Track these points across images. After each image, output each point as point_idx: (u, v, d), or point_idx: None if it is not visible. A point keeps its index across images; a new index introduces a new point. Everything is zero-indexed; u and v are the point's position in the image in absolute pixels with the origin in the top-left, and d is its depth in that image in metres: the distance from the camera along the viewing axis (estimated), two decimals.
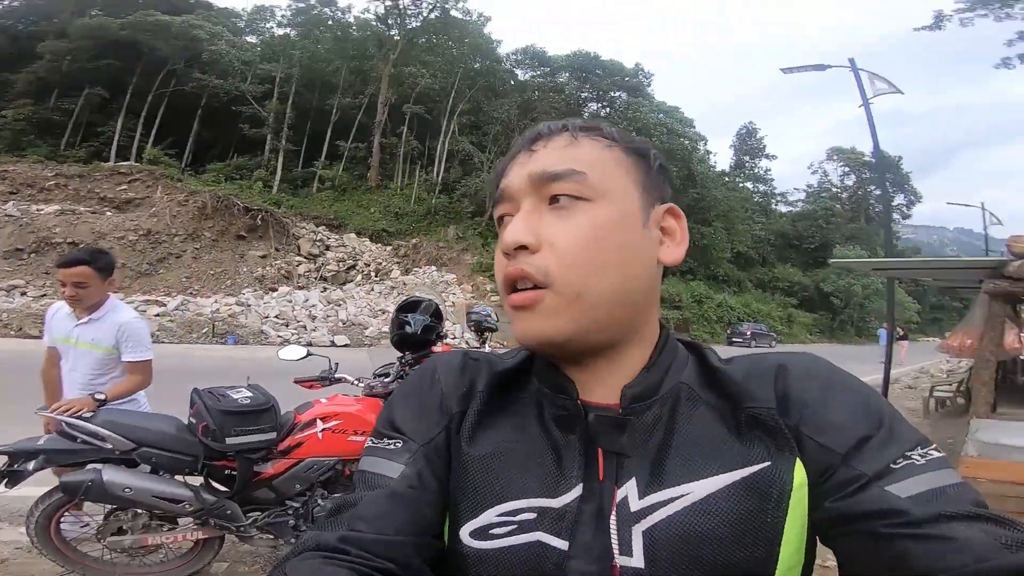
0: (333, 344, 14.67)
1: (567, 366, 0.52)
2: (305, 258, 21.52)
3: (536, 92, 29.29)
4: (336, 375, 2.80)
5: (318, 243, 22.62)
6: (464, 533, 0.49)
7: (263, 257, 20.38)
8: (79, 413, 2.19)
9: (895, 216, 46.34)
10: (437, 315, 2.91)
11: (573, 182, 0.49)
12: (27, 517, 2.24)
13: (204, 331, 14.02)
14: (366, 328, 16.53)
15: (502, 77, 32.70)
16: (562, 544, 0.47)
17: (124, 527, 2.30)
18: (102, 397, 2.34)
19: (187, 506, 2.28)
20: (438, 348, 2.91)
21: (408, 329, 2.78)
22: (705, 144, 40.49)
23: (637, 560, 0.45)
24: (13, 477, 2.06)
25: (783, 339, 31.42)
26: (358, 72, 30.79)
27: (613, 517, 0.47)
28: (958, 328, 4.49)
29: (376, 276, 22.18)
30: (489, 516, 0.49)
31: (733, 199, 37.92)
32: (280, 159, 27.76)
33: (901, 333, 18.81)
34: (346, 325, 16.54)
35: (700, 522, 0.45)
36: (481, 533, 0.49)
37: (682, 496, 0.46)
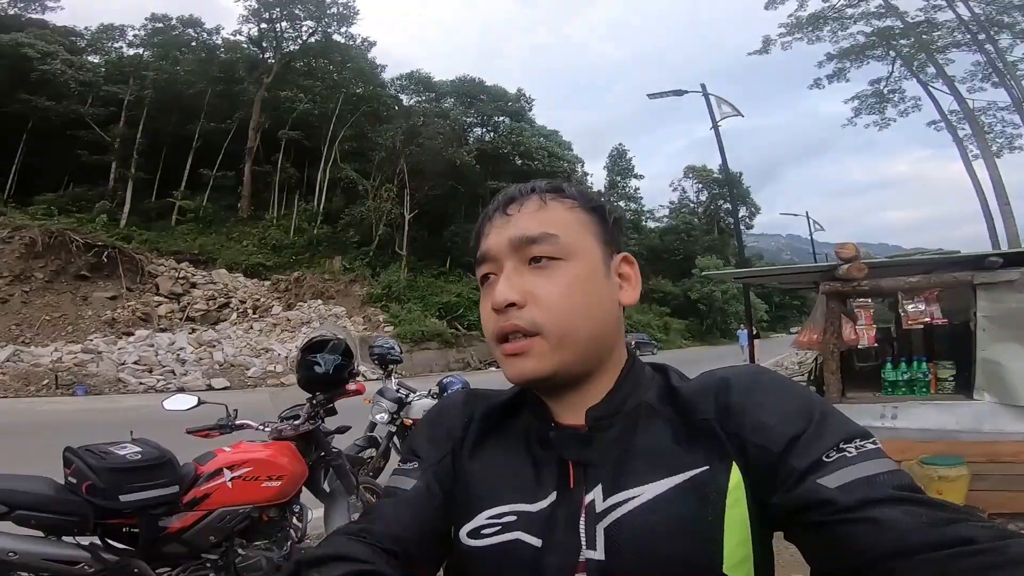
0: (211, 387, 13.82)
1: (548, 397, 0.62)
2: (166, 297, 19.65)
3: (422, 117, 29.41)
4: (237, 422, 2.68)
5: (181, 281, 20.71)
6: (463, 533, 0.60)
7: (112, 299, 18.47)
8: None
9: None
10: (347, 353, 2.87)
11: (549, 244, 0.58)
12: None
13: (45, 382, 12.86)
14: (247, 369, 15.37)
15: (386, 102, 32.53)
16: (536, 541, 0.56)
17: None
18: None
19: (86, 567, 2.05)
20: (351, 386, 2.90)
21: (318, 370, 2.71)
22: (583, 166, 43.54)
23: (599, 553, 0.53)
24: None
25: (662, 346, 34.10)
26: (225, 96, 28.98)
27: (583, 518, 0.55)
28: (804, 326, 5.20)
29: (255, 313, 20.63)
30: (481, 519, 0.59)
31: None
32: (129, 189, 25.03)
33: (755, 332, 21.52)
34: (223, 367, 15.29)
35: (649, 519, 0.53)
36: (475, 533, 0.59)
37: (635, 497, 0.54)
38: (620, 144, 53.96)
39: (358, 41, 31.81)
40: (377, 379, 5.27)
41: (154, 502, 2.16)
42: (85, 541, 2.13)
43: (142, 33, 29.56)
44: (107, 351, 15.14)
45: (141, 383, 13.60)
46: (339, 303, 22.08)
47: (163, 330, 17.78)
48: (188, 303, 19.97)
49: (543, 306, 0.56)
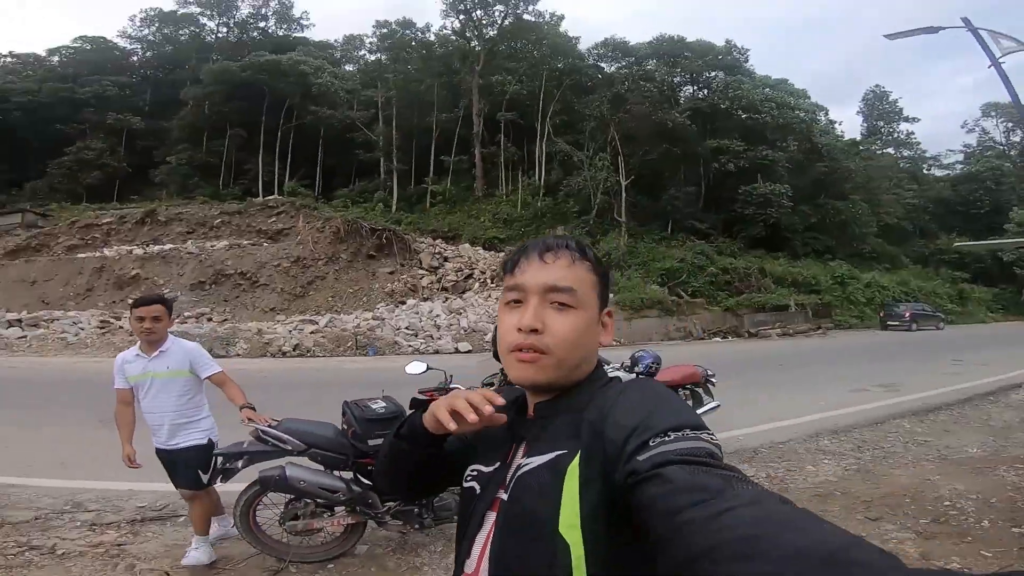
0: (457, 351, 15.44)
1: (532, 396, 0.86)
2: (427, 271, 22.84)
3: (625, 83, 28.50)
4: (451, 386, 3.31)
5: (437, 255, 23.95)
6: (465, 475, 0.89)
7: (391, 273, 21.85)
8: (268, 423, 2.80)
9: None
10: None
11: (569, 296, 0.80)
12: (233, 507, 2.91)
13: (349, 344, 15.38)
14: (485, 334, 17.27)
15: (588, 73, 32.30)
16: (478, 489, 0.84)
17: (298, 514, 2.92)
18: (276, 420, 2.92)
19: (341, 496, 2.84)
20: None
21: None
22: (826, 114, 37.16)
23: (506, 495, 0.78)
24: (226, 474, 2.79)
25: (953, 320, 27.10)
26: (448, 87, 32.17)
27: (510, 471, 0.80)
28: None
29: (492, 283, 23.08)
30: (468, 469, 0.89)
31: (872, 168, 33.92)
32: (395, 179, 30.04)
33: None
34: (467, 332, 17.32)
35: (528, 479, 0.75)
36: (464, 477, 0.89)
37: (530, 464, 0.77)
38: (877, 86, 44.66)
39: (547, 17, 32.11)
40: None
41: None
42: (346, 475, 2.92)
43: (376, 40, 34.83)
44: (388, 318, 17.92)
45: (410, 345, 15.71)
46: None
47: (425, 299, 19.94)
48: (442, 275, 22.91)
49: (555, 337, 0.79)
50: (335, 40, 42.80)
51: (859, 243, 31.06)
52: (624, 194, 25.35)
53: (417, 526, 2.96)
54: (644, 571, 0.70)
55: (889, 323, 23.81)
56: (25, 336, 16.32)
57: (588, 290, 0.82)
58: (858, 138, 41.20)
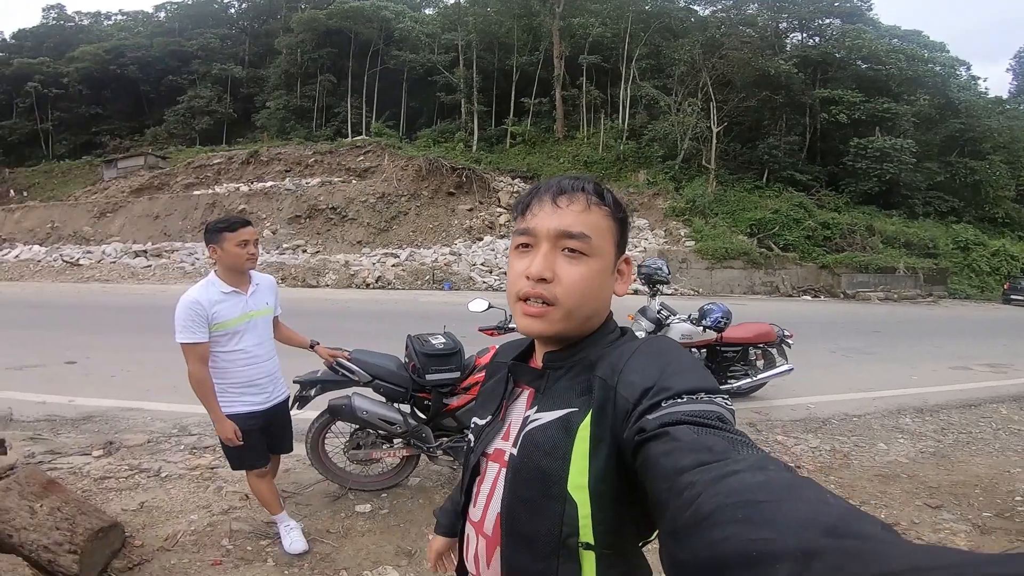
0: None
1: (541, 346, 0.85)
2: (504, 209, 23.03)
3: (721, 27, 25.94)
4: (510, 325, 3.33)
5: (515, 194, 24.01)
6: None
7: (470, 210, 22.30)
8: (346, 355, 2.94)
9: None
10: None
11: (582, 242, 0.76)
12: (305, 435, 3.13)
13: (426, 278, 16.11)
14: None
15: (678, 16, 29.77)
16: (472, 439, 0.88)
17: (360, 443, 3.12)
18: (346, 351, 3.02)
19: (398, 428, 3.01)
20: None
21: None
22: (968, 69, 32.51)
23: (515, 450, 0.77)
24: (301, 401, 2.95)
25: None
26: (528, 30, 31.00)
27: (518, 426, 0.79)
28: None
29: None
30: (472, 423, 0.91)
31: (1017, 128, 29.42)
32: (475, 120, 29.95)
33: None
34: None
35: (538, 435, 0.74)
36: (470, 430, 0.92)
37: (540, 419, 0.76)
38: None
39: None
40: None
41: (444, 382, 2.98)
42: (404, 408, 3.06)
43: None
44: (464, 254, 18.58)
45: (484, 281, 16.27)
46: (642, 216, 22.40)
47: (502, 237, 20.40)
48: None
49: (564, 286, 0.75)
50: None
51: (992, 207, 27.38)
52: (715, 140, 23.65)
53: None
54: (647, 533, 0.74)
55: (1013, 297, 20.80)
56: (150, 265, 18.58)
57: (603, 237, 0.77)
58: (1005, 96, 36.30)
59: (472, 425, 0.90)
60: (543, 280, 0.75)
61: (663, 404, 0.62)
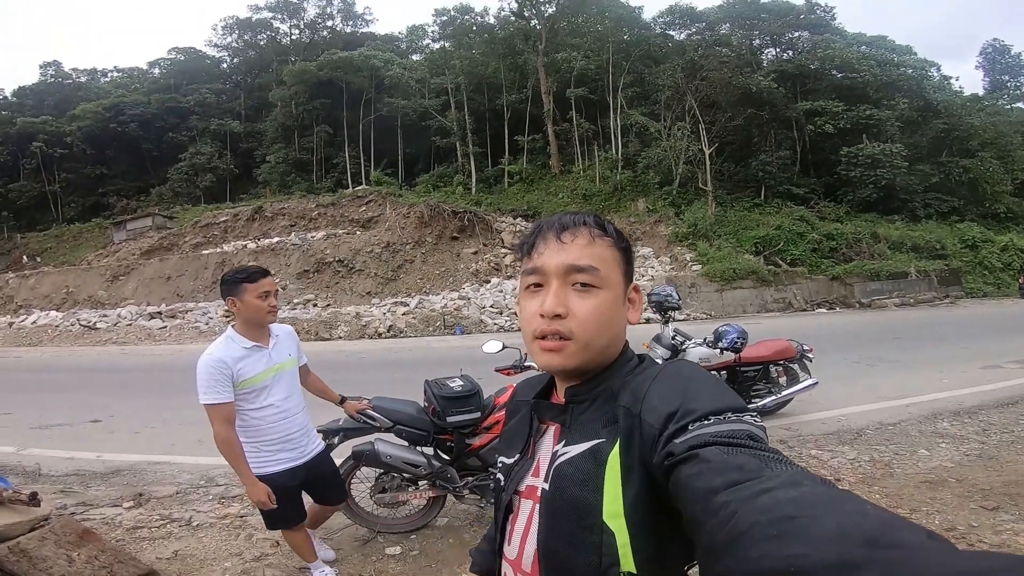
0: None
1: (562, 381, 0.85)
2: (508, 249, 23.10)
3: (699, 50, 26.91)
4: (525, 364, 3.36)
5: (517, 234, 24.18)
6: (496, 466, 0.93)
7: (474, 253, 22.29)
8: (367, 406, 2.97)
9: None
10: None
11: (591, 275, 0.77)
12: None
13: (437, 324, 15.82)
14: None
15: (656, 43, 30.91)
16: (502, 479, 0.87)
17: (385, 487, 3.13)
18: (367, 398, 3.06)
19: (423, 470, 3.01)
20: None
21: None
22: (938, 70, 33.99)
23: (547, 485, 0.77)
24: (326, 449, 2.89)
25: None
26: (515, 68, 32.02)
27: (547, 461, 0.79)
28: None
29: None
30: (499, 461, 0.91)
31: (1001, 124, 30.19)
32: (472, 162, 30.52)
33: None
34: None
35: (569, 469, 0.74)
36: (497, 468, 0.91)
37: (568, 452, 0.76)
38: (996, 39, 42.50)
39: None
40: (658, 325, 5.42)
41: (465, 423, 2.99)
42: (427, 451, 3.08)
43: (437, 28, 35.12)
44: (473, 297, 18.46)
45: (495, 323, 16.12)
46: (645, 244, 22.51)
47: (508, 277, 20.20)
48: None
49: (579, 320, 0.76)
50: (399, 32, 44.70)
51: (992, 203, 27.50)
52: (708, 162, 24.03)
53: (493, 500, 3.06)
54: (690, 557, 0.72)
55: None
56: (165, 326, 18.74)
57: (611, 268, 0.79)
58: (980, 93, 37.46)
59: (499, 464, 0.90)
60: (558, 316, 0.76)
61: (689, 427, 0.62)
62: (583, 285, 0.77)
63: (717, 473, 0.53)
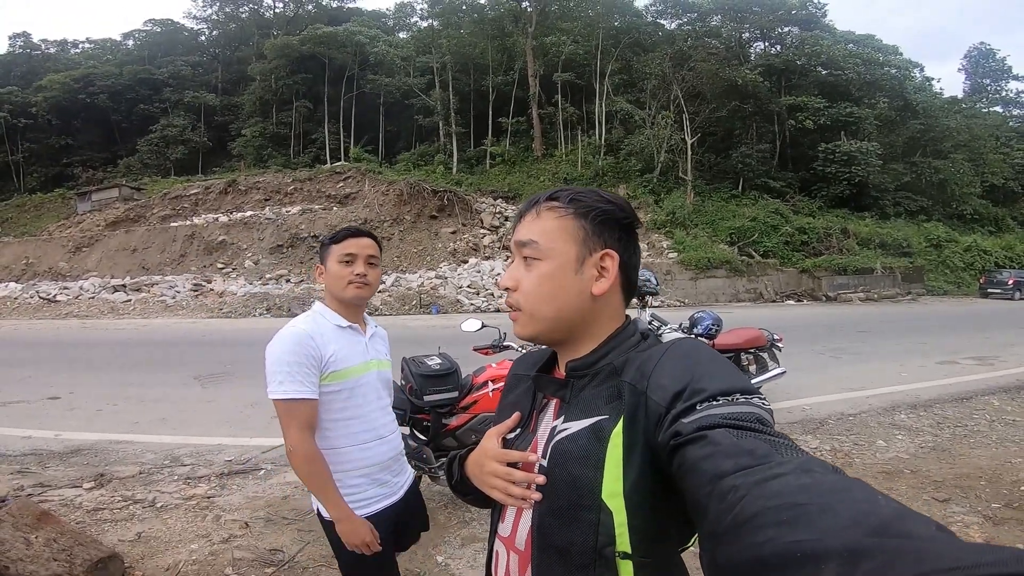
0: None
1: (562, 355, 0.84)
2: (488, 230, 23.08)
3: (688, 40, 27.01)
4: (504, 343, 3.32)
5: (497, 215, 24.11)
6: None
7: (453, 233, 22.31)
8: None
9: None
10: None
11: (530, 249, 0.79)
12: None
13: (413, 303, 16.01)
14: None
15: (646, 31, 30.79)
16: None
17: None
18: None
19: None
20: None
21: None
22: (921, 71, 34.75)
23: (545, 461, 0.76)
24: None
25: None
26: (503, 50, 31.61)
27: (546, 436, 0.78)
28: None
29: None
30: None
31: (976, 127, 31.15)
32: (454, 142, 30.16)
33: None
34: None
35: (569, 446, 0.73)
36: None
37: (568, 429, 0.74)
38: (982, 43, 43.39)
39: None
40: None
41: (443, 403, 2.96)
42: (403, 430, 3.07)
43: (426, 6, 34.33)
44: (450, 277, 18.49)
45: (471, 303, 16.16)
46: None
47: (487, 258, 20.58)
48: (503, 234, 23.32)
49: (522, 292, 0.79)
50: (387, 8, 43.64)
51: (959, 204, 28.52)
52: (690, 152, 24.22)
53: None
54: (685, 539, 0.72)
55: (990, 291, 21.91)
56: (129, 300, 18.17)
57: (555, 238, 0.77)
58: (960, 96, 38.68)
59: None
60: (508, 289, 0.81)
61: (697, 407, 0.61)
62: (527, 258, 0.79)
63: (726, 456, 0.52)
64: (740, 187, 25.59)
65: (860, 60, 28.77)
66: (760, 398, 0.63)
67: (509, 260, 0.88)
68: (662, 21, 32.48)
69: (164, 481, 3.59)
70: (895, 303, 19.17)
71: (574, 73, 29.33)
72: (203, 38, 44.95)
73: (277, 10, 42.17)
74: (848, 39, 32.47)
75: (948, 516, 2.99)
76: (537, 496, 0.75)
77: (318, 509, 1.57)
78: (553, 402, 0.81)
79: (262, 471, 3.72)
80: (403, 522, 1.71)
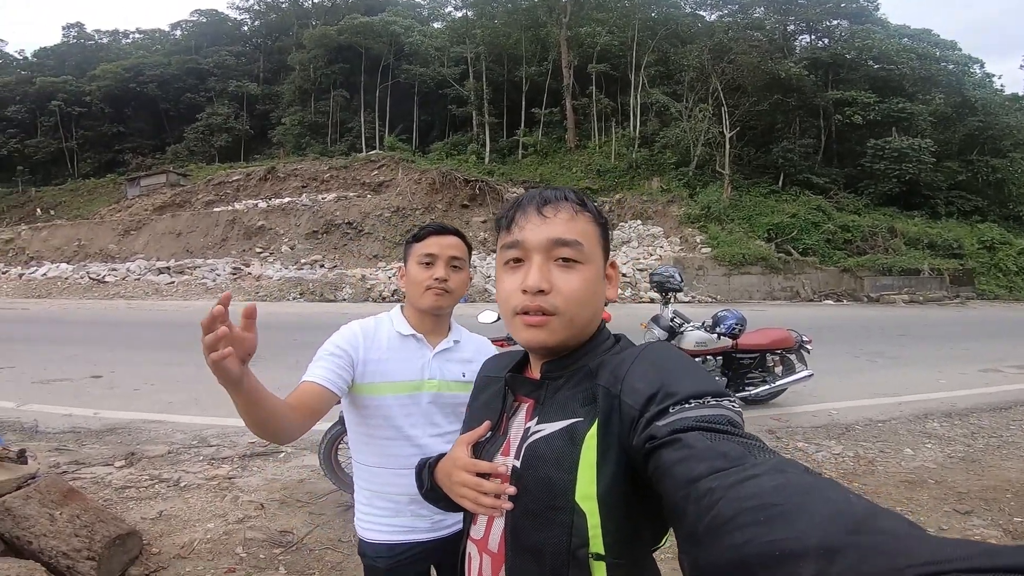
0: None
1: (537, 358, 0.83)
2: None
3: (728, 32, 26.09)
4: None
5: None
6: None
7: (483, 222, 22.44)
8: None
9: None
10: None
11: (575, 250, 0.76)
12: (318, 446, 3.17)
13: None
14: None
15: (685, 22, 29.92)
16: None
17: None
18: None
19: None
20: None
21: None
22: (981, 67, 32.32)
23: (518, 462, 0.76)
24: None
25: None
26: (536, 40, 31.30)
27: (519, 437, 0.78)
28: None
29: None
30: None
31: None
32: (487, 132, 30.17)
33: None
34: None
35: (543, 447, 0.73)
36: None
37: (543, 430, 0.74)
38: None
39: None
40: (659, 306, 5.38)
41: None
42: None
43: None
44: (480, 266, 18.61)
45: None
46: (656, 223, 22.32)
47: None
48: None
49: (564, 296, 0.75)
50: None
51: (1016, 205, 27.07)
52: (728, 146, 23.56)
53: None
54: (657, 540, 0.73)
55: None
56: (173, 282, 18.99)
57: (593, 243, 0.78)
58: (1022, 92, 35.73)
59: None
60: (541, 292, 0.74)
61: (671, 410, 0.61)
62: (566, 260, 0.76)
63: (700, 459, 0.53)
64: (780, 182, 24.81)
65: (915, 55, 27.48)
66: (730, 400, 0.63)
67: (514, 262, 0.79)
68: (701, 12, 31.64)
69: (190, 461, 3.74)
70: (941, 306, 18.26)
71: (609, 64, 28.92)
72: (245, 28, 46.15)
73: (315, 0, 42.91)
74: (903, 33, 31.05)
75: (968, 529, 2.87)
76: (508, 506, 0.74)
77: (414, 541, 1.37)
78: (526, 404, 0.81)
79: (282, 454, 3.86)
80: (449, 566, 1.36)
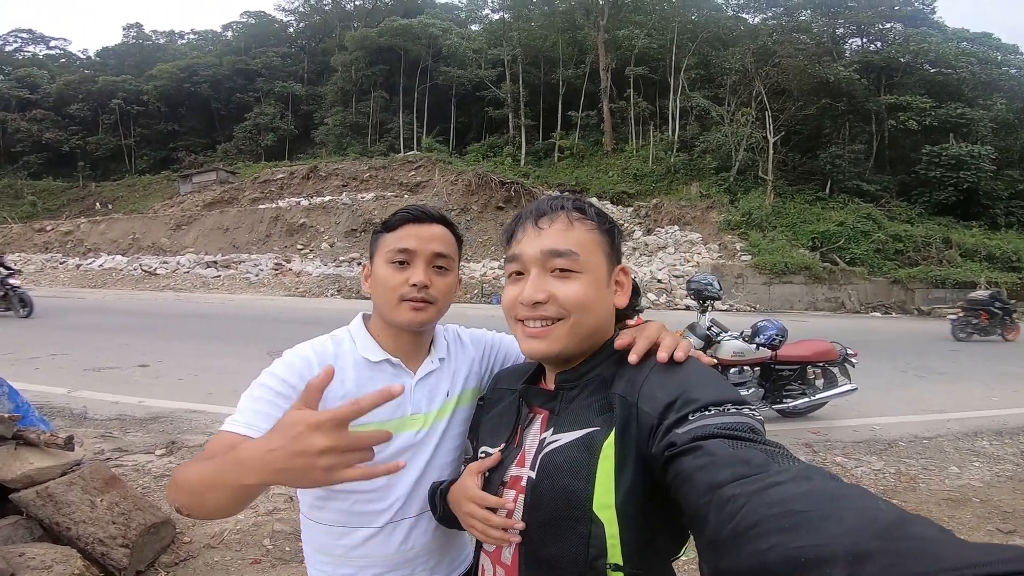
0: None
1: (550, 368, 0.83)
2: None
3: (773, 35, 25.28)
4: None
5: None
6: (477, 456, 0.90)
7: None
8: None
9: None
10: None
11: (570, 260, 0.76)
12: None
13: (475, 292, 16.47)
14: None
15: (727, 25, 29.19)
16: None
17: None
18: None
19: None
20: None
21: None
22: None
23: (533, 473, 0.75)
24: None
25: None
26: (573, 43, 31.23)
27: (535, 448, 0.77)
28: None
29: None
30: (480, 451, 0.88)
31: None
32: (523, 134, 30.25)
33: None
34: None
35: (558, 458, 0.72)
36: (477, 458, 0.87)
37: (559, 440, 0.74)
38: None
39: None
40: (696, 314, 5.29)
41: None
42: None
43: None
44: None
45: None
46: (695, 229, 21.84)
47: None
48: None
49: (563, 304, 0.75)
50: (459, 1, 44.21)
51: None
52: (772, 151, 22.86)
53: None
54: (676, 550, 0.73)
55: None
56: (219, 276, 19.79)
57: (591, 251, 0.77)
58: None
59: (482, 454, 0.86)
60: (539, 303, 0.75)
61: (690, 417, 0.61)
62: (562, 271, 0.76)
63: (723, 466, 0.52)
64: (828, 189, 23.92)
65: (975, 59, 26.30)
66: (750, 408, 0.63)
67: (516, 275, 0.80)
68: (744, 15, 30.87)
69: None
70: None
71: (647, 67, 28.62)
72: (291, 30, 47.96)
73: (357, 2, 44.02)
74: (961, 37, 29.81)
75: None
76: (517, 539, 0.74)
77: None
78: (540, 415, 0.81)
79: None
80: None
